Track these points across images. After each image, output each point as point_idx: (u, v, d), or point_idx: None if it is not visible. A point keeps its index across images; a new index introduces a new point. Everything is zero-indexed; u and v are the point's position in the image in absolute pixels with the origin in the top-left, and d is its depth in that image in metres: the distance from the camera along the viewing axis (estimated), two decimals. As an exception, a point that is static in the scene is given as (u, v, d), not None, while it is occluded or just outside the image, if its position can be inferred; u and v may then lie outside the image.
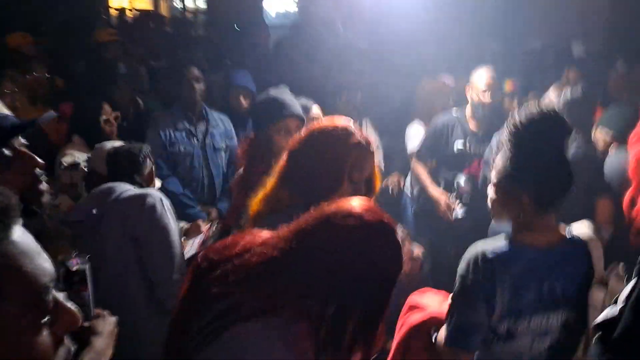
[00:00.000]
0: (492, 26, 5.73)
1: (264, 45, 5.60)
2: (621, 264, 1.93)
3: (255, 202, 1.96)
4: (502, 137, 1.98)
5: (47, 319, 0.71)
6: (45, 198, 1.38)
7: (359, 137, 1.91)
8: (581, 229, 1.97)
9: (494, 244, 1.89)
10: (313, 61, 5.13)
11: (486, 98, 3.71)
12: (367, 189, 1.94)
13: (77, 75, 4.85)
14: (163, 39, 5.84)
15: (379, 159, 4.31)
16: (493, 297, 1.81)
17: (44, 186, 1.38)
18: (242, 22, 6.14)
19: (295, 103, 2.76)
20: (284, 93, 2.81)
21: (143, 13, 7.95)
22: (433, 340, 2.00)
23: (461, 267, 1.91)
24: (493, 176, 1.96)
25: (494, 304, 1.82)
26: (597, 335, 1.05)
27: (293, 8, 8.86)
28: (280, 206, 1.88)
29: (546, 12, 5.95)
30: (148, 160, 2.60)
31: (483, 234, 2.52)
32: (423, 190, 3.96)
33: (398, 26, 5.04)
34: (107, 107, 3.47)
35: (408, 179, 4.30)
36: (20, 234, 0.68)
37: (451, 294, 1.95)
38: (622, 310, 1.56)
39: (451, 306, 1.93)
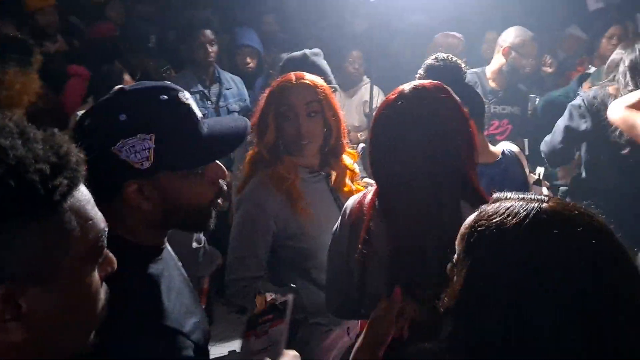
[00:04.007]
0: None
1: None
2: None
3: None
4: None
5: (100, 260, 0.84)
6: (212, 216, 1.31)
7: (287, 75, 1.99)
8: (508, 145, 2.52)
9: None
10: (323, 17, 5.08)
11: (520, 60, 3.49)
12: (333, 138, 2.01)
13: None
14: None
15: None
16: None
17: (221, 202, 1.33)
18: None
19: None
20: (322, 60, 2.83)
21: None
22: None
23: None
24: None
25: None
26: None
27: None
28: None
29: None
30: None
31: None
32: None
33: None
34: (127, 77, 3.45)
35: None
36: (83, 187, 0.82)
37: None
38: None
39: None
